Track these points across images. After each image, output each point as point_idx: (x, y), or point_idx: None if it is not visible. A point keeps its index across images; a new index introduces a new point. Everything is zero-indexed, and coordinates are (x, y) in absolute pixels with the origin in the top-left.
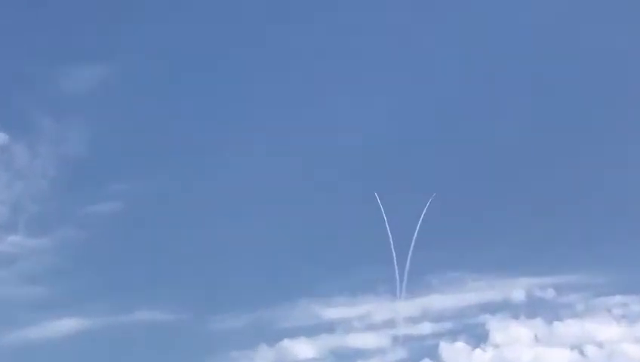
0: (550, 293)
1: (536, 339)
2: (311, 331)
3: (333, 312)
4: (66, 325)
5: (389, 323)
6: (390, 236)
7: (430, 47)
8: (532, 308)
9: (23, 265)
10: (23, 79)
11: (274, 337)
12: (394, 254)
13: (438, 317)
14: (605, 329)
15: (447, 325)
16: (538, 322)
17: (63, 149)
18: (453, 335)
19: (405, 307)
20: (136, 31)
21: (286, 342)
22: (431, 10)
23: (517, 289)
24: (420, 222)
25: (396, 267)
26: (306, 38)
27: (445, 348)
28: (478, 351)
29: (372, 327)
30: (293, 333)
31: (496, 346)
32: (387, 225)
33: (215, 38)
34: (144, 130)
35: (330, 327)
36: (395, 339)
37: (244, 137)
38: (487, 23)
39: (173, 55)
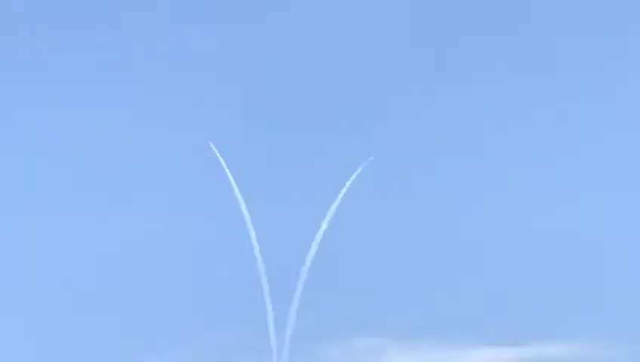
0: None
1: None
2: None
3: None
4: None
5: None
6: (263, 276)
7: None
8: None
9: None
10: None
11: None
12: (268, 307)
13: None
14: None
15: None
16: None
17: None
18: None
19: None
20: None
21: None
22: None
23: None
24: (312, 251)
25: (271, 328)
26: None
27: None
28: None
29: None
30: None
31: None
32: (258, 257)
33: None
34: None
35: None
36: None
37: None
38: None
39: None
